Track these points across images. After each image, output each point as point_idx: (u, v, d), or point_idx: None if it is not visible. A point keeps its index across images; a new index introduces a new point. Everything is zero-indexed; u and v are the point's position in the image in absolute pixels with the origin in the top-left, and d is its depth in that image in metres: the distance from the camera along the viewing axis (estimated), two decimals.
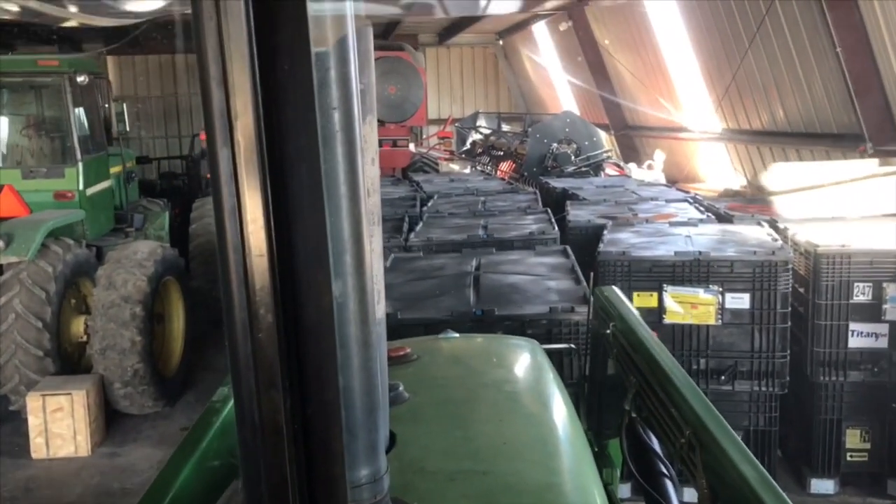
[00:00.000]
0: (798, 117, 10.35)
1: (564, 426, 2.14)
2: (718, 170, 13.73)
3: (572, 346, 3.90)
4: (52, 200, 8.64)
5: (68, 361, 7.86)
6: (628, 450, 2.77)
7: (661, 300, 5.69)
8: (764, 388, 5.62)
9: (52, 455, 7.07)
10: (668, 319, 5.69)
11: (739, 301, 5.61)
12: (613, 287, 3.56)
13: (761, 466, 1.88)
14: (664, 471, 2.70)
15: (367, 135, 1.40)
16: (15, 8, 11.13)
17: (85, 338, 7.92)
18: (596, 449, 3.03)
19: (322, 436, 1.03)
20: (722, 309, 5.62)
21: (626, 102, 16.74)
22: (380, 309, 1.48)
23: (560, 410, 2.23)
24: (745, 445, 1.98)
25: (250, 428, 1.00)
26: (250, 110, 0.92)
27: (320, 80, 1.16)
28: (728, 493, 1.90)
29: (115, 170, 10.03)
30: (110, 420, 7.72)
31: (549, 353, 2.79)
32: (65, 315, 7.81)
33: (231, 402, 1.90)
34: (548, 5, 14.87)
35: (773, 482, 1.81)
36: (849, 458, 5.94)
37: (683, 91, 14.33)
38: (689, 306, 5.69)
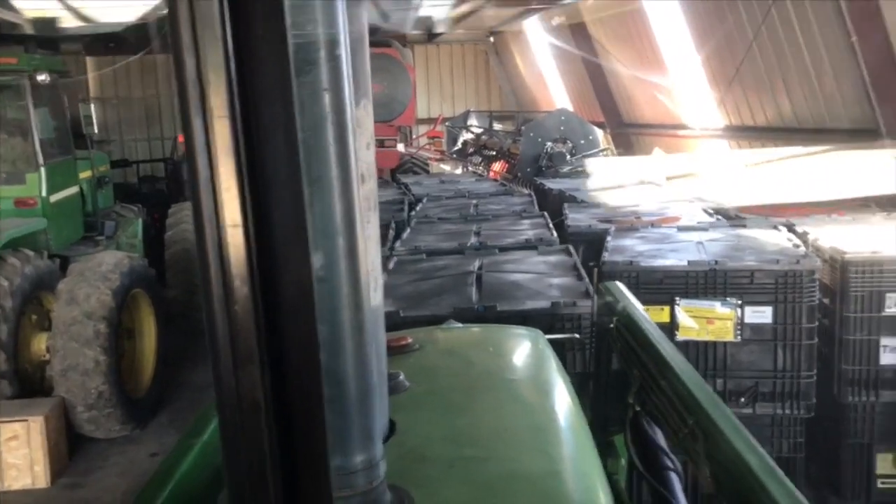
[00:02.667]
0: (807, 112, 9.82)
1: (567, 415, 2.12)
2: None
3: (576, 335, 3.88)
4: (13, 208, 8.05)
5: (29, 383, 7.28)
6: (632, 443, 2.76)
7: (673, 315, 5.14)
8: (788, 412, 5.07)
9: (6, 487, 6.48)
10: (681, 336, 5.13)
11: (761, 315, 5.05)
12: (617, 282, 3.49)
13: (765, 454, 1.83)
14: (668, 464, 2.66)
15: (362, 119, 1.37)
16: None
17: (47, 356, 7.33)
18: (600, 442, 2.83)
19: (303, 414, 1.01)
20: (741, 324, 5.06)
21: (622, 97, 16.21)
22: (376, 296, 1.47)
23: (563, 399, 2.21)
24: (748, 434, 1.93)
25: (228, 404, 0.99)
26: (223, 76, 0.91)
27: (310, 61, 1.17)
28: (732, 482, 1.89)
29: (84, 174, 9.44)
30: (74, 446, 7.14)
31: (553, 343, 2.75)
32: (24, 333, 7.23)
33: (212, 425, 2.04)
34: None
35: (778, 469, 1.77)
36: (880, 485, 5.39)
37: (683, 86, 13.79)
38: (704, 321, 5.13)
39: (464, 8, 14.40)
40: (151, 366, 8.03)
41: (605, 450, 2.95)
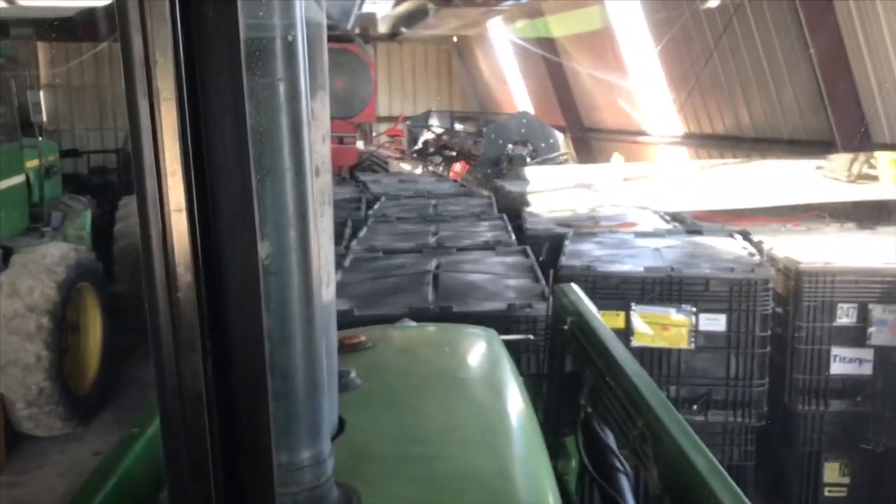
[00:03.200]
0: (764, 122, 9.93)
1: (517, 414, 2.11)
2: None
3: (530, 336, 3.84)
4: None
5: None
6: (583, 445, 2.78)
7: (628, 320, 5.12)
8: (740, 419, 5.08)
9: None
10: (636, 342, 5.11)
11: (715, 323, 5.06)
12: (572, 284, 3.52)
13: (711, 456, 1.86)
14: (618, 465, 2.69)
15: (318, 111, 1.36)
16: None
17: None
18: (552, 444, 2.92)
19: (248, 404, 0.99)
20: (695, 331, 5.06)
21: (583, 102, 16.27)
22: (328, 291, 1.46)
23: (514, 399, 2.20)
24: (695, 436, 1.96)
25: (169, 392, 0.96)
26: (170, 58, 0.88)
27: (265, 50, 1.15)
28: (679, 483, 1.91)
29: (31, 164, 9.12)
30: (12, 444, 6.89)
31: (508, 344, 2.71)
32: None
33: (151, 430, 2.02)
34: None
35: (723, 471, 1.80)
36: (827, 494, 5.44)
37: (643, 92, 13.88)
38: (659, 328, 5.12)
39: (405, 7, 14.27)
40: (96, 362, 7.80)
41: (557, 451, 2.96)
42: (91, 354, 7.78)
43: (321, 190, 1.36)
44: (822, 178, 8.07)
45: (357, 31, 16.22)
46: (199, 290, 0.94)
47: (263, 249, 1.19)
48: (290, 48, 1.17)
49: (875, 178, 7.65)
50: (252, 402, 1.00)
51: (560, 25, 15.82)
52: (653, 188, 9.00)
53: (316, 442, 1.35)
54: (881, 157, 7.59)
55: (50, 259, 6.97)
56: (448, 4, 14.21)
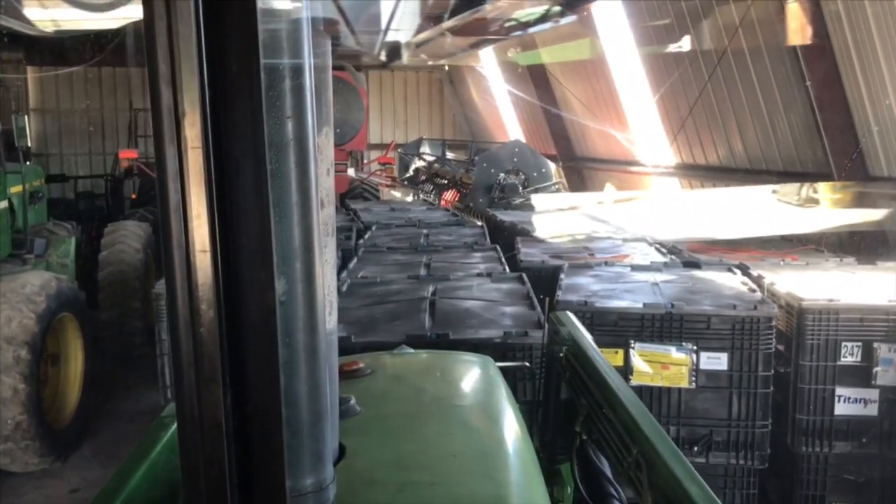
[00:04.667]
0: (759, 153, 9.85)
1: (514, 441, 2.13)
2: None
3: (526, 363, 3.90)
4: None
5: None
6: (579, 472, 2.80)
7: (627, 358, 4.96)
8: (742, 462, 4.91)
9: None
10: (634, 381, 4.95)
11: (716, 362, 4.90)
12: (567, 312, 3.58)
13: (704, 483, 1.87)
14: (613, 493, 2.70)
15: (323, 146, 1.42)
16: None
17: None
18: (548, 470, 2.99)
19: (262, 433, 1.03)
20: (696, 370, 4.90)
21: (576, 131, 16.23)
22: (331, 320, 1.50)
23: (511, 426, 2.23)
24: (689, 464, 1.99)
25: (190, 422, 1.00)
26: (197, 109, 0.94)
27: (275, 90, 1.20)
28: None
29: (15, 189, 8.95)
30: None
31: (503, 371, 2.75)
32: None
33: (160, 445, 2.11)
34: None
35: (717, 500, 1.82)
36: None
37: (636, 122, 13.83)
38: (659, 366, 4.96)
39: (424, 35, 14.32)
40: (76, 394, 7.56)
41: (552, 478, 2.97)
42: (71, 386, 7.55)
43: (325, 221, 1.39)
44: (777, 201, 8.63)
45: (383, 58, 16.36)
46: (220, 325, 0.98)
47: (280, 286, 1.23)
48: (298, 87, 1.22)
49: (817, 202, 8.35)
50: (267, 432, 1.04)
51: (551, 55, 15.83)
52: (628, 216, 9.17)
53: (319, 469, 1.37)
54: (821, 186, 8.39)
55: (30, 288, 6.77)
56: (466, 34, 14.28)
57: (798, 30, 7.94)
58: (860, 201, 8.09)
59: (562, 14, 10.61)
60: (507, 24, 12.76)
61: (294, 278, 1.27)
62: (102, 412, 8.15)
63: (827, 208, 8.28)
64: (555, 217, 9.58)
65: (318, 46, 1.33)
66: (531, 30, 12.65)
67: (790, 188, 8.54)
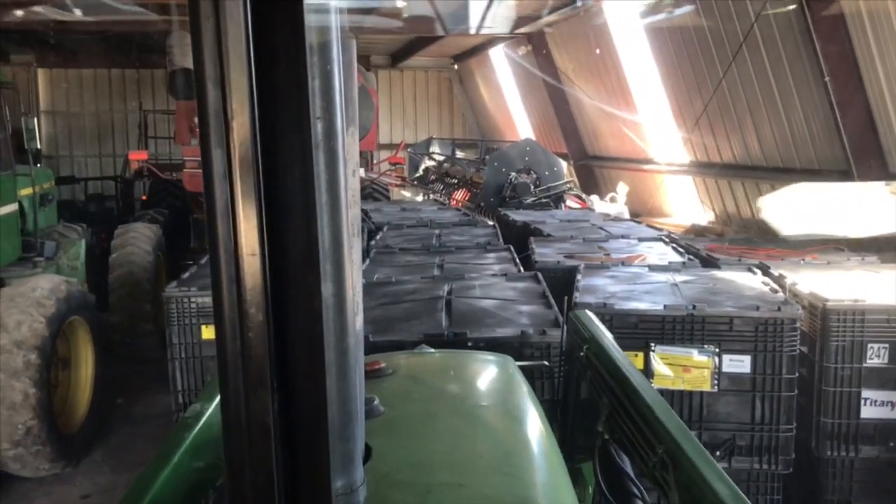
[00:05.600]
0: (775, 151, 9.70)
1: (539, 441, 2.13)
2: (685, 204, 13.09)
3: (545, 363, 3.90)
4: None
5: None
6: (601, 471, 2.78)
7: (647, 361, 4.85)
8: (766, 466, 4.79)
9: None
10: (655, 384, 4.83)
11: (739, 364, 4.78)
12: (587, 311, 3.57)
13: (733, 483, 1.85)
14: (636, 492, 2.68)
15: (349, 146, 1.41)
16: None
17: None
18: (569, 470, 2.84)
19: (309, 439, 1.03)
20: (718, 373, 4.79)
21: (587, 129, 16.09)
22: (358, 320, 1.48)
23: (535, 425, 2.21)
24: (717, 463, 1.96)
25: (236, 427, 0.99)
26: (246, 110, 0.93)
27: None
28: None
29: (25, 191, 8.89)
30: None
31: (522, 370, 2.73)
32: None
33: (203, 419, 2.20)
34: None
35: (746, 499, 1.78)
36: None
37: (649, 120, 13.69)
38: (680, 369, 4.85)
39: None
40: (87, 398, 7.49)
41: (573, 478, 2.90)
42: (82, 390, 7.49)
43: (352, 223, 1.39)
44: (890, 194, 8.10)
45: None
46: (269, 330, 0.97)
47: (326, 289, 1.23)
48: (327, 88, 1.22)
49: None
50: (313, 437, 1.04)
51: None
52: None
53: (350, 470, 1.36)
54: None
55: (40, 292, 6.70)
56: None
57: None
58: None
59: None
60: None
61: (325, 281, 1.26)
62: (113, 416, 8.09)
63: None
64: None
65: (344, 46, 1.32)
66: None
67: None
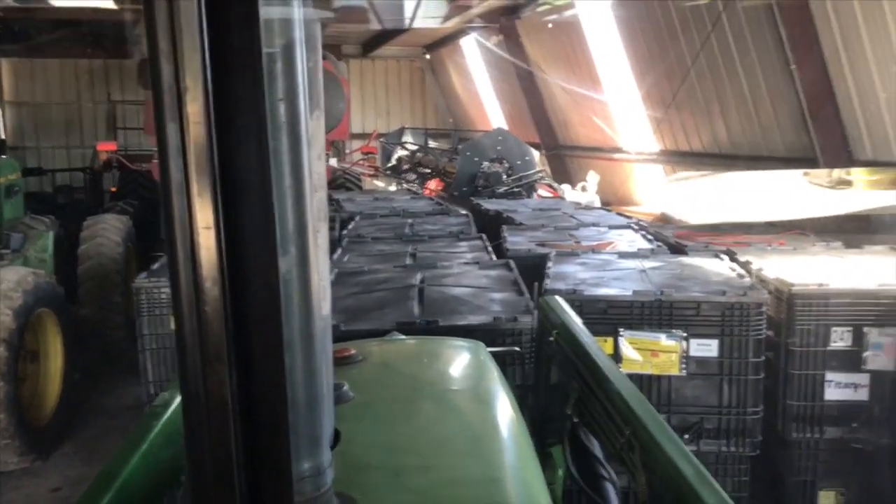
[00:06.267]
0: (742, 138, 9.82)
1: (508, 424, 2.14)
2: (655, 192, 13.20)
3: (516, 348, 3.91)
4: None
5: None
6: (570, 455, 2.82)
7: (616, 346, 4.91)
8: (733, 449, 4.87)
9: None
10: (624, 369, 4.87)
11: (706, 348, 4.85)
12: (557, 297, 3.59)
13: (698, 462, 1.87)
14: (605, 474, 2.73)
15: (315, 130, 1.42)
16: None
17: None
18: (539, 453, 2.89)
19: (268, 413, 1.04)
20: (686, 357, 4.86)
21: (558, 118, 16.16)
22: (325, 305, 1.50)
23: (504, 409, 2.23)
24: (682, 444, 1.98)
25: (195, 402, 1.00)
26: (199, 84, 0.94)
27: (267, 72, 1.16)
28: (666, 490, 1.93)
29: None
30: None
31: (494, 355, 2.75)
32: None
33: (172, 407, 2.19)
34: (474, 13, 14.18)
35: (711, 478, 1.82)
36: None
37: (619, 109, 13.77)
38: (648, 354, 4.91)
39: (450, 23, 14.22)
40: (57, 391, 7.42)
41: (544, 461, 2.99)
42: (51, 383, 7.41)
43: (318, 207, 1.40)
44: (808, 184, 8.43)
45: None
46: (225, 303, 0.98)
47: (284, 264, 1.24)
48: (290, 70, 1.22)
49: (850, 184, 8.19)
50: (273, 412, 1.04)
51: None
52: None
53: (316, 452, 1.38)
54: (856, 169, 8.22)
55: (6, 285, 6.62)
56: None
57: None
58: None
59: None
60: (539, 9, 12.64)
61: (290, 262, 1.28)
62: (84, 409, 8.02)
63: (862, 190, 8.17)
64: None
65: (308, 29, 1.33)
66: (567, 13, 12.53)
67: (821, 171, 8.47)
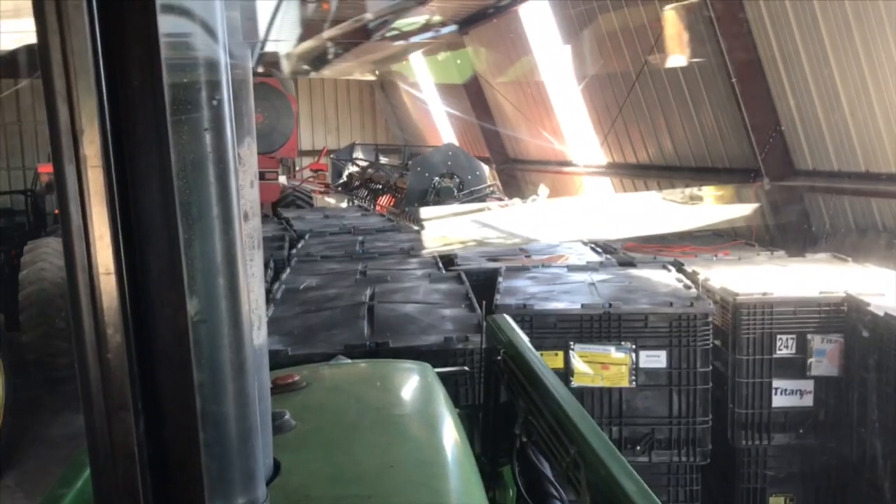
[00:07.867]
0: (688, 150, 10.00)
1: (452, 448, 2.14)
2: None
3: (465, 368, 3.90)
4: None
5: None
6: (519, 473, 2.81)
7: (567, 360, 4.92)
8: (684, 459, 4.92)
9: None
10: (576, 382, 4.91)
11: (655, 360, 4.90)
12: (504, 315, 3.57)
13: (641, 480, 1.89)
14: (554, 493, 2.73)
15: (246, 157, 1.41)
16: None
17: None
18: (490, 474, 3.05)
19: (179, 459, 1.01)
20: (636, 369, 4.89)
21: (508, 133, 16.27)
22: (259, 335, 1.49)
23: (449, 433, 2.23)
24: (625, 461, 2.00)
25: (102, 453, 0.98)
26: (96, 125, 0.92)
27: (191, 101, 1.18)
28: None
29: None
30: None
31: (444, 376, 2.76)
32: None
33: (86, 474, 1.94)
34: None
35: (652, 494, 1.83)
36: None
37: (567, 123, 13.93)
38: (599, 366, 4.94)
39: (308, 44, 14.16)
40: None
41: (494, 481, 3.00)
42: None
43: (250, 234, 1.36)
44: (663, 200, 9.46)
45: (261, 69, 15.93)
46: (129, 349, 0.95)
47: (193, 306, 1.20)
48: (215, 98, 1.18)
49: (701, 199, 9.13)
50: (184, 456, 1.01)
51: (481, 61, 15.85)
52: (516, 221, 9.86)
53: (250, 488, 1.35)
54: (706, 187, 9.35)
55: None
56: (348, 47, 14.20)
57: (675, 37, 8.25)
58: (740, 198, 8.87)
59: (442, 24, 10.76)
60: (388, 34, 12.81)
61: (217, 294, 1.24)
62: (27, 438, 7.79)
63: (711, 205, 9.02)
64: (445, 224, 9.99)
65: (236, 55, 1.29)
66: (413, 39, 12.82)
67: (675, 190, 9.43)
